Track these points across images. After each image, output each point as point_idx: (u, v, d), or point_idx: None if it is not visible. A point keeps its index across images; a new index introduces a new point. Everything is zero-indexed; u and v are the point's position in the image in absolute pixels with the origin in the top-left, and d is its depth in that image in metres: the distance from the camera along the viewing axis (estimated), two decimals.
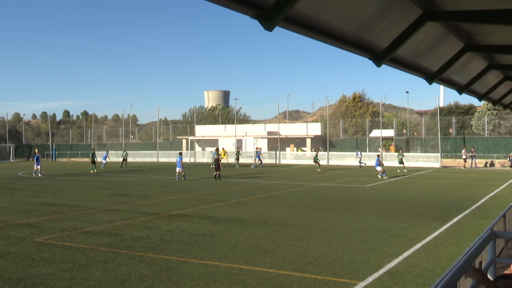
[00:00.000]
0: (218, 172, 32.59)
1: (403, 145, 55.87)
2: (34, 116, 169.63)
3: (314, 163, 44.80)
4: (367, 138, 57.17)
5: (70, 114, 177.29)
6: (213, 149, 50.98)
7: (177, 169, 33.58)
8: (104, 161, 46.90)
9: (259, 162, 49.42)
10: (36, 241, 13.12)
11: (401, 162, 40.94)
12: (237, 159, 50.89)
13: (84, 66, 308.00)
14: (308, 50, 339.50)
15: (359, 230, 14.31)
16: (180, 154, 34.42)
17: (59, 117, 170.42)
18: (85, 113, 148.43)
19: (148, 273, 9.81)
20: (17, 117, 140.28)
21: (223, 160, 51.86)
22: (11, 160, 69.99)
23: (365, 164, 47.47)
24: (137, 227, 15.04)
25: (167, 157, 63.26)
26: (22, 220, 16.70)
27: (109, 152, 66.86)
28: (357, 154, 49.38)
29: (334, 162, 52.42)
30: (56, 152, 73.48)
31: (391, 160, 49.80)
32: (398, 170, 40.66)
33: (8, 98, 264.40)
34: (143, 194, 24.62)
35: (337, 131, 62.67)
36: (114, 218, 16.95)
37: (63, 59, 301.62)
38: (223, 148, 55.28)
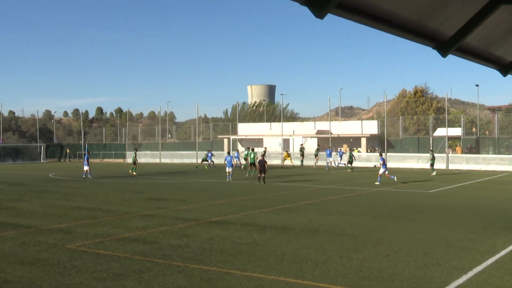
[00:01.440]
0: (263, 175, 32.54)
1: (473, 145, 54.51)
2: (65, 114, 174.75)
3: (347, 165, 45.82)
4: (431, 138, 56.04)
5: (103, 111, 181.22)
6: (259, 149, 50.93)
7: (228, 169, 35.48)
8: (209, 162, 50.35)
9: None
10: (68, 247, 13.52)
11: (432, 164, 41.22)
12: (302, 155, 53.05)
13: (119, 59, 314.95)
14: (363, 39, 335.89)
15: (422, 242, 14.06)
16: (210, 151, 35.94)
17: (91, 114, 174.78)
18: (119, 110, 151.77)
19: (187, 285, 9.95)
20: (48, 115, 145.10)
21: (287, 162, 52.50)
22: (41, 161, 72.27)
23: (345, 165, 48.10)
24: (174, 235, 15.27)
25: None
26: (53, 225, 17.25)
27: (145, 152, 68.28)
28: (338, 153, 50.73)
29: (392, 164, 51.69)
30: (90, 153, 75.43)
31: (458, 162, 48.69)
32: (433, 174, 39.86)
33: (39, 94, 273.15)
34: (181, 198, 24.97)
35: (396, 129, 61.76)
36: (150, 224, 17.27)
37: (96, 52, 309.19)
38: (286, 151, 55.81)
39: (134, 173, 42.95)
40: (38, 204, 22.61)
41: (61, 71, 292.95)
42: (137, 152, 48.33)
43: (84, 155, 40.07)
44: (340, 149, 53.93)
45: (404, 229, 16.15)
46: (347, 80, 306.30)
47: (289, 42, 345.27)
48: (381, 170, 32.95)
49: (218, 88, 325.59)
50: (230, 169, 35.76)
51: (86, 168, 38.66)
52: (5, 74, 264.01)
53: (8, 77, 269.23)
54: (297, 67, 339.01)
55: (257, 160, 34.33)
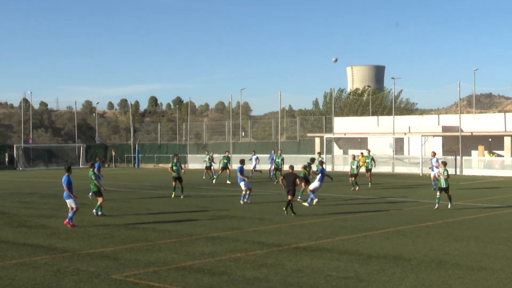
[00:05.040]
0: (289, 198, 25.20)
1: None
2: (110, 105, 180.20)
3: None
4: None
5: (158, 102, 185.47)
6: (363, 152, 50.25)
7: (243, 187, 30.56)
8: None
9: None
10: (114, 278, 13.91)
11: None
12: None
13: (177, 34, 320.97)
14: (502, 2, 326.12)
15: None
16: (242, 163, 31.21)
17: (143, 106, 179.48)
18: (178, 101, 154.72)
19: None
20: (89, 107, 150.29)
21: (362, 169, 51.19)
22: (80, 166, 74.61)
23: (260, 172, 48.30)
24: (250, 264, 15.39)
25: (293, 162, 63.89)
26: (95, 249, 17.80)
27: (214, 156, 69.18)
28: (251, 159, 50.22)
29: None
30: (140, 155, 77.22)
31: None
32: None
33: (77, 80, 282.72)
34: (258, 216, 25.14)
35: None
36: (218, 249, 17.47)
37: (147, 24, 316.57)
38: (361, 153, 54.56)
39: (213, 178, 45.88)
40: (77, 222, 23.35)
41: (104, 50, 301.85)
42: (213, 155, 49.69)
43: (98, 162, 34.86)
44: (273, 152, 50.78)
45: None
46: (483, 59, 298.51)
47: (402, 11, 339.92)
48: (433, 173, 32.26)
49: (307, 71, 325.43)
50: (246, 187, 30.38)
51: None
52: (34, 56, 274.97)
53: (39, 59, 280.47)
54: (414, 42, 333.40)
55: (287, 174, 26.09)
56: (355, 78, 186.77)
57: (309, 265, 15.23)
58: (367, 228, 21.45)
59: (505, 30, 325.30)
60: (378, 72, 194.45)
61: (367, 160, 40.09)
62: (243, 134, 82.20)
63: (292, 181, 25.21)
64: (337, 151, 66.48)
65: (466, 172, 54.37)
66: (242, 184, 30.10)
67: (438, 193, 27.25)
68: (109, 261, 15.82)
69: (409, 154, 60.66)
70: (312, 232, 20.74)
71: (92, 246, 18.16)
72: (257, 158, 50.41)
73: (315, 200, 28.89)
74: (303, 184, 30.52)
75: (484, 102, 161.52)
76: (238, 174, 30.31)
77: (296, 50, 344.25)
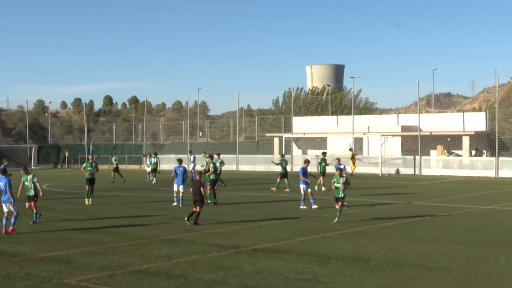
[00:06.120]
0: (198, 210, 22.93)
1: None
2: (63, 105, 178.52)
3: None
4: None
5: (114, 101, 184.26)
6: (318, 152, 50.63)
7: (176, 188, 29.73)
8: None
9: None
10: (67, 282, 13.77)
11: None
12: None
13: (132, 33, 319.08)
14: (466, 2, 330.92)
15: None
16: (180, 161, 30.31)
17: (98, 105, 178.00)
18: (133, 100, 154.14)
19: None
20: (41, 106, 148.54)
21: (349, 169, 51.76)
22: (32, 167, 73.66)
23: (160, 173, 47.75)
24: (207, 267, 15.37)
25: (251, 163, 64.06)
26: (47, 252, 17.59)
27: (168, 156, 68.94)
28: (145, 160, 50.89)
29: (506, 173, 50.67)
30: (95, 156, 76.54)
31: None
32: None
33: (29, 79, 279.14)
34: (215, 217, 25.11)
35: (511, 125, 60.55)
36: (175, 252, 17.43)
37: (103, 21, 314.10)
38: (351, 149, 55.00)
39: (153, 180, 44.68)
40: (29, 225, 23.06)
41: (57, 47, 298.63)
42: (159, 156, 48.97)
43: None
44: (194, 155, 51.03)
45: None
46: (443, 58, 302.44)
47: (362, 6, 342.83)
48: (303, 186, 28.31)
49: (266, 71, 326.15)
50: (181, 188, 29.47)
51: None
52: None
53: None
54: (375, 41, 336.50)
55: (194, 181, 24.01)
56: (314, 77, 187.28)
57: (268, 267, 15.26)
58: (326, 229, 21.55)
59: (464, 30, 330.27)
60: (338, 71, 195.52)
61: (322, 163, 38.75)
62: (200, 134, 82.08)
63: (197, 189, 22.86)
64: (296, 151, 66.69)
65: (425, 172, 54.92)
66: (302, 187, 28.05)
67: (336, 205, 23.11)
68: (61, 265, 15.65)
69: (368, 154, 61.09)
70: (270, 233, 20.77)
71: (44, 250, 17.94)
72: (194, 157, 48.08)
73: (314, 206, 27.75)
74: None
75: (443, 102, 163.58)
76: (301, 176, 27.98)
77: (255, 48, 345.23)
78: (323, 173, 37.91)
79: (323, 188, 36.89)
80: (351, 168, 52.40)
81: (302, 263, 15.68)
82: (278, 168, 38.52)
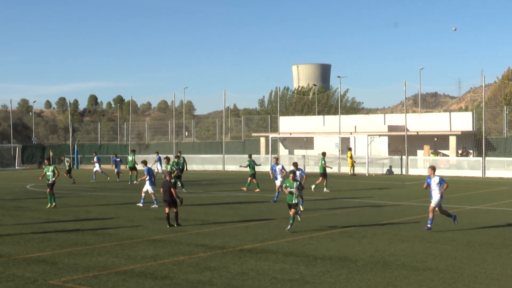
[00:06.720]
0: (174, 210, 22.92)
1: None
2: (48, 104, 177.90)
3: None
4: None
5: (98, 101, 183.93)
6: (305, 152, 50.61)
7: (278, 183, 30.93)
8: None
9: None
10: (51, 283, 13.74)
11: None
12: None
13: (117, 32, 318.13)
14: (453, 2, 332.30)
15: None
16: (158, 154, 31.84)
17: (82, 105, 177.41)
18: (119, 99, 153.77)
19: None
20: (25, 106, 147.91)
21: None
22: (16, 167, 73.36)
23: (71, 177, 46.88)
24: (194, 267, 15.37)
25: (237, 163, 63.98)
26: (32, 253, 17.53)
27: (153, 156, 68.77)
28: (96, 160, 50.46)
29: (493, 173, 50.92)
30: (79, 156, 76.31)
31: None
32: None
33: (12, 77, 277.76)
34: (202, 218, 25.11)
35: (498, 125, 60.77)
36: (161, 252, 17.42)
37: (88, 20, 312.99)
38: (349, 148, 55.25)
39: (135, 181, 43.45)
40: (13, 226, 23.00)
41: (41, 46, 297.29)
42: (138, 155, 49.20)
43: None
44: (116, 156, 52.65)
45: (509, 262, 15.94)
46: (430, 58, 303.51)
47: (348, 7, 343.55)
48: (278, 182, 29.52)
49: (252, 70, 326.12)
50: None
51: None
52: None
53: None
54: (360, 41, 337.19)
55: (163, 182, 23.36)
56: (301, 77, 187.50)
57: (254, 267, 15.28)
58: (313, 229, 21.60)
59: (450, 30, 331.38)
60: (324, 71, 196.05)
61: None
62: (186, 134, 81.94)
63: (167, 189, 22.48)
64: (282, 151, 66.74)
65: (412, 172, 55.04)
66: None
67: (290, 212, 21.36)
68: (46, 266, 15.61)
69: (355, 154, 61.21)
70: (257, 234, 20.80)
71: (29, 251, 17.88)
72: (159, 158, 47.59)
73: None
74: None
75: (430, 102, 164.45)
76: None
77: (241, 48, 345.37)
78: (323, 174, 37.30)
79: (325, 189, 36.37)
80: (350, 168, 52.79)
81: (289, 264, 15.71)
82: (264, 168, 38.59)
